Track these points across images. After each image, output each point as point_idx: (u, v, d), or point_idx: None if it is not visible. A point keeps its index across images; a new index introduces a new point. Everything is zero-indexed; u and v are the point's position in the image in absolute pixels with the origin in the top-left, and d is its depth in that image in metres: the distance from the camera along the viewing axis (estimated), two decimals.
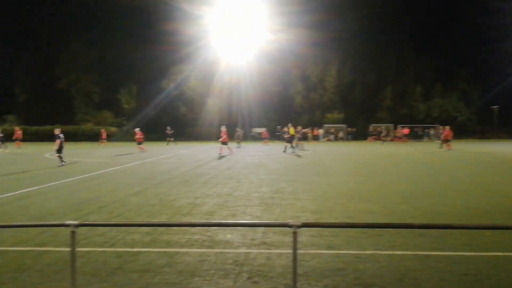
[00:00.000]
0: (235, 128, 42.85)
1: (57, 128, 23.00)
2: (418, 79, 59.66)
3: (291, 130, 31.18)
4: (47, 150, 33.63)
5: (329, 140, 54.62)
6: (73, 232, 4.71)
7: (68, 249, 6.04)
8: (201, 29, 52.61)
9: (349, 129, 56.85)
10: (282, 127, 55.99)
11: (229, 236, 7.27)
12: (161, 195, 11.55)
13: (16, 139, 39.12)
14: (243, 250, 6.53)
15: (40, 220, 8.66)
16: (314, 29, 49.80)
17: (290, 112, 59.60)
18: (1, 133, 32.59)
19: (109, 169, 18.72)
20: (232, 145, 37.38)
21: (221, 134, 28.38)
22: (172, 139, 43.70)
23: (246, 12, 52.28)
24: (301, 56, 55.81)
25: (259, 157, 25.67)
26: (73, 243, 4.72)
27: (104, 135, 45.44)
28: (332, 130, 56.81)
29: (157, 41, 54.30)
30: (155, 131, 54.89)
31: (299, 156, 26.78)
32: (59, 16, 62.35)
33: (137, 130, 33.32)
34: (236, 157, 25.44)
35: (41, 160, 25.12)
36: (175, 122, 58.33)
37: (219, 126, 32.38)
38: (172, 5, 52.44)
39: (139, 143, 31.92)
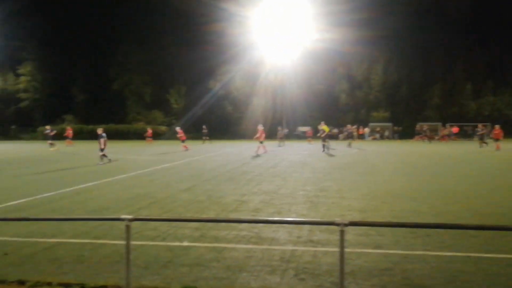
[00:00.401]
0: (279, 126, 42.77)
1: (100, 128, 23.85)
2: (468, 76, 57.16)
3: (325, 128, 30.64)
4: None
5: (374, 139, 53.53)
6: (127, 226, 4.97)
7: (122, 242, 6.35)
8: (247, 30, 52.99)
9: (395, 127, 55.42)
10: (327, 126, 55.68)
11: (275, 233, 7.37)
12: (208, 192, 11.82)
13: (66, 138, 41.06)
14: (289, 247, 6.61)
15: (96, 214, 9.12)
16: (359, 27, 48.87)
17: (335, 111, 58.84)
18: (51, 131, 33.95)
19: (160, 166, 19.32)
20: (273, 144, 37.45)
21: (259, 133, 28.20)
22: (207, 138, 44.35)
23: (291, 12, 52.15)
24: (346, 54, 54.94)
25: (304, 156, 25.60)
26: (127, 236, 4.98)
27: (149, 133, 46.81)
28: (377, 129, 55.62)
29: (204, 42, 55.24)
30: (202, 130, 55.89)
31: (331, 155, 26.45)
32: (112, 19, 64.80)
33: (178, 129, 33.96)
34: (281, 156, 25.50)
35: (97, 157, 26.23)
36: (221, 121, 59.21)
37: (264, 124, 32.46)
38: (219, 6, 53.13)
39: (183, 141, 32.41)
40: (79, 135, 56.83)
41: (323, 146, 29.26)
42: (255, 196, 11.11)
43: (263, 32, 53.94)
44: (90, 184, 13.70)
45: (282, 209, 9.54)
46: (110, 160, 21.65)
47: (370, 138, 53.82)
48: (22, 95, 67.75)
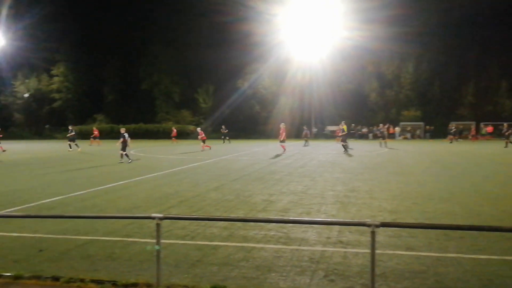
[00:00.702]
0: (304, 126, 42.42)
1: (123, 128, 24.20)
2: (503, 73, 55.34)
3: (345, 128, 30.04)
4: (132, 148, 35.67)
5: (405, 138, 52.58)
6: (158, 225, 5.02)
7: (152, 240, 6.43)
8: (275, 28, 52.92)
9: (427, 127, 54.26)
10: (356, 125, 55.00)
11: (304, 233, 7.31)
12: (237, 191, 11.85)
13: (94, 137, 42.30)
14: (318, 248, 6.55)
15: (127, 212, 9.26)
16: (390, 24, 48.03)
17: (364, 110, 58.09)
18: (73, 132, 34.49)
19: (188, 166, 19.50)
20: (301, 143, 37.25)
21: (280, 132, 27.98)
22: (227, 137, 44.92)
23: (319, 10, 51.79)
24: (376, 52, 54.00)
25: (333, 155, 25.36)
26: (158, 234, 5.04)
27: (174, 133, 47.56)
28: (408, 128, 54.60)
29: (232, 41, 55.44)
30: (230, 129, 56.15)
31: (350, 155, 26.06)
32: (142, 20, 66.00)
33: (198, 129, 34.33)
34: (310, 155, 25.34)
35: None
36: (248, 120, 59.34)
37: (291, 124, 32.35)
38: (247, 5, 53.24)
39: (204, 141, 32.48)
40: (109, 135, 58.15)
41: (344, 146, 28.53)
42: (284, 196, 11.06)
43: (291, 31, 53.77)
44: (120, 183, 13.95)
45: (311, 209, 9.46)
46: (130, 160, 21.93)
47: (401, 137, 52.95)
48: (55, 95, 69.76)
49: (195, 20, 60.48)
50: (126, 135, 22.44)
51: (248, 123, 59.07)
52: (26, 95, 68.63)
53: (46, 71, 70.55)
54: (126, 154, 22.07)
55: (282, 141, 27.84)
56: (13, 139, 56.83)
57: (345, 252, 6.33)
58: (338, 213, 9.09)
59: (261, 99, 60.29)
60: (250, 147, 35.84)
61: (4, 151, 30.06)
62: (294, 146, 35.76)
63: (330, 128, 56.07)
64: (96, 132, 43.17)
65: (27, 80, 69.68)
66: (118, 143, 22.63)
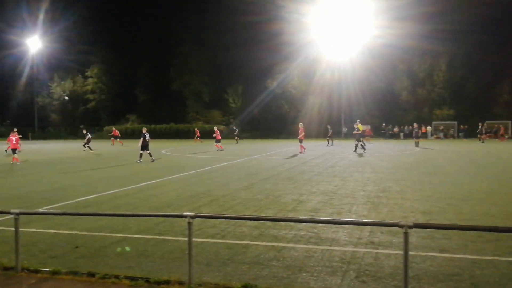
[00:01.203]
0: (331, 124, 41.91)
1: (144, 127, 24.56)
2: None
3: (360, 127, 29.67)
4: (164, 147, 36.29)
5: (438, 138, 51.38)
6: (189, 223, 5.10)
7: (184, 238, 6.53)
8: (304, 27, 52.68)
9: (461, 126, 52.80)
10: (387, 125, 54.06)
11: (335, 233, 7.26)
12: (267, 191, 11.87)
13: (115, 137, 43.69)
14: (349, 248, 6.49)
15: (159, 211, 9.42)
16: (422, 22, 46.95)
17: (395, 109, 57.03)
18: (89, 134, 35.18)
19: (219, 165, 19.67)
20: (320, 143, 36.92)
21: (299, 131, 27.73)
22: (238, 137, 45.78)
23: (349, 8, 51.24)
24: (407, 50, 52.87)
25: (364, 155, 25.05)
26: (190, 233, 5.11)
27: (198, 133, 48.44)
28: (441, 128, 53.30)
29: (261, 41, 55.49)
30: (258, 129, 56.33)
31: (360, 155, 25.58)
32: (172, 22, 67.05)
33: (215, 128, 34.88)
34: (340, 155, 25.12)
35: (158, 156, 27.16)
36: (277, 119, 59.27)
37: (319, 123, 32.21)
38: (277, 4, 53.21)
39: (218, 141, 32.51)
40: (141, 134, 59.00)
41: (357, 145, 28.04)
42: (314, 196, 11.01)
43: (320, 29, 53.41)
44: (152, 181, 14.20)
45: (341, 209, 9.39)
46: (153, 160, 22.30)
47: (433, 137, 51.80)
48: (90, 96, 71.73)
49: (225, 20, 60.81)
50: (147, 135, 22.77)
51: (277, 123, 59.03)
52: (66, 98, 70.75)
53: (81, 72, 72.67)
54: (149, 153, 22.51)
55: (301, 141, 27.65)
56: (49, 139, 58.74)
57: (376, 253, 6.25)
58: (369, 213, 8.98)
59: (290, 98, 60.12)
60: (279, 146, 35.80)
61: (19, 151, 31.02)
62: (323, 146, 35.51)
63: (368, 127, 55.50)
64: (115, 132, 44.19)
65: (62, 82, 71.90)
66: (139, 143, 23.00)
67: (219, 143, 32.20)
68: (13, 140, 23.20)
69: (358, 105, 55.20)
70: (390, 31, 48.24)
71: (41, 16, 66.43)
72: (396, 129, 54.14)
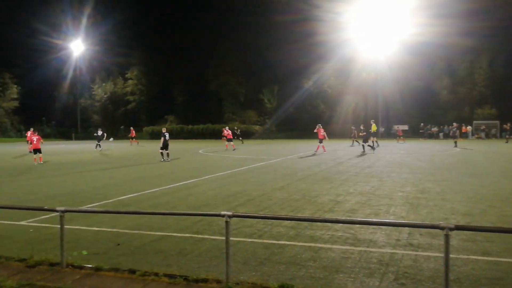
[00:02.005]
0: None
1: (164, 127, 24.96)
2: None
3: (374, 127, 30.02)
4: (201, 147, 36.78)
5: (479, 137, 49.62)
6: (227, 222, 5.16)
7: (221, 237, 6.62)
8: (339, 26, 52.09)
9: (504, 125, 50.69)
10: (425, 124, 52.58)
11: (372, 235, 7.17)
12: (303, 191, 11.84)
13: (132, 138, 45.10)
14: (388, 250, 6.39)
15: (196, 210, 9.58)
16: (464, 19, 45.37)
17: (434, 108, 55.42)
18: (100, 133, 36.23)
19: (254, 165, 19.77)
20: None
21: (318, 131, 27.71)
22: (240, 138, 46.43)
23: (387, 7, 50.29)
24: (447, 48, 51.15)
25: (401, 155, 24.55)
26: (227, 232, 5.17)
27: (225, 132, 48.78)
28: (483, 127, 51.41)
29: (296, 40, 55.26)
30: (295, 129, 56.13)
31: (367, 154, 24.85)
32: (209, 23, 67.88)
33: (227, 128, 35.66)
34: (377, 155, 24.71)
35: (196, 155, 27.61)
36: (313, 119, 58.82)
37: (355, 123, 31.96)
38: (311, 4, 52.87)
39: (229, 140, 33.41)
40: (179, 135, 60.36)
41: (364, 146, 28.23)
42: (351, 197, 10.89)
43: (356, 28, 52.70)
44: (190, 181, 14.44)
45: (379, 210, 9.24)
46: (169, 159, 22.80)
47: (474, 137, 50.09)
48: (130, 98, 73.68)
49: (261, 21, 61.09)
50: (167, 134, 23.22)
51: (312, 122, 58.56)
52: (103, 98, 72.81)
53: (121, 74, 74.78)
54: (167, 153, 22.98)
55: (320, 141, 27.61)
56: (91, 139, 60.62)
57: (416, 255, 6.13)
58: (408, 215, 8.81)
59: (326, 98, 59.58)
60: (315, 146, 35.49)
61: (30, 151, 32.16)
62: (358, 147, 34.97)
63: (397, 127, 54.33)
64: (133, 132, 45.96)
65: (104, 84, 74.13)
66: (160, 143, 23.42)
67: (231, 142, 33.51)
68: (34, 140, 22.71)
69: (396, 105, 54.06)
70: (430, 28, 46.96)
71: (84, 20, 68.93)
72: (435, 129, 52.67)
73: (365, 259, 5.99)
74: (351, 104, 56.47)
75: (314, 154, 25.92)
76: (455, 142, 32.25)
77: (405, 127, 54.13)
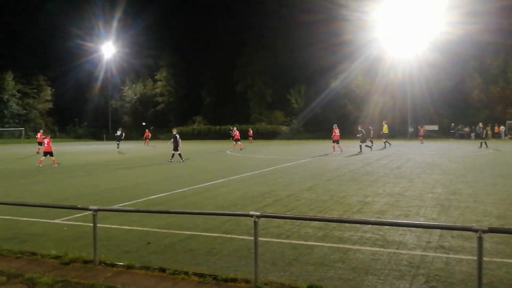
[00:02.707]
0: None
1: (175, 129, 25.22)
2: None
3: (385, 128, 31.18)
4: (228, 148, 37.02)
5: None
6: (255, 222, 5.19)
7: (249, 237, 6.67)
8: (366, 25, 51.52)
9: None
10: (456, 125, 51.24)
11: (402, 236, 7.07)
12: (331, 192, 11.77)
13: (145, 139, 46.23)
14: (418, 252, 6.30)
15: (224, 210, 9.66)
16: (497, 16, 44.11)
17: (465, 108, 53.96)
18: (119, 132, 37.11)
19: (282, 165, 19.76)
20: (398, 143, 35.67)
21: (334, 132, 28.09)
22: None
23: (416, 5, 49.41)
24: (479, 46, 49.68)
25: (431, 156, 24.07)
26: (256, 232, 5.21)
27: (250, 132, 49.72)
28: None
29: (323, 40, 54.89)
30: (322, 129, 55.72)
31: (369, 154, 24.20)
32: (235, 25, 68.41)
33: (235, 129, 37.54)
34: (406, 156, 24.31)
35: (223, 155, 27.81)
36: (340, 119, 58.26)
37: (381, 123, 31.88)
38: (338, 3, 52.42)
39: (237, 140, 35.70)
40: (207, 135, 60.91)
41: (361, 146, 28.72)
42: (380, 198, 10.76)
43: (384, 27, 51.97)
44: (218, 181, 14.57)
45: (409, 212, 9.10)
46: (182, 160, 23.03)
47: (507, 137, 48.57)
48: (159, 99, 74.85)
49: (287, 21, 60.95)
50: (178, 136, 23.46)
51: (339, 123, 58.04)
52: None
53: (150, 76, 76.09)
54: (179, 154, 23.18)
55: (337, 142, 28.04)
56: (122, 140, 61.81)
57: (447, 257, 6.01)
58: (438, 216, 8.64)
59: (354, 98, 58.94)
60: (343, 147, 35.17)
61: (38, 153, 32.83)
62: (388, 147, 34.48)
63: (427, 127, 53.20)
64: (148, 133, 47.14)
65: (134, 85, 75.55)
66: (170, 143, 23.77)
67: (239, 142, 35.22)
68: (45, 142, 21.95)
69: (425, 104, 52.96)
70: (462, 26, 45.77)
71: (115, 24, 70.57)
72: (466, 129, 51.32)
73: (394, 261, 5.92)
74: (378, 104, 55.67)
75: (327, 154, 25.67)
76: (481, 143, 31.27)
77: (435, 127, 52.99)
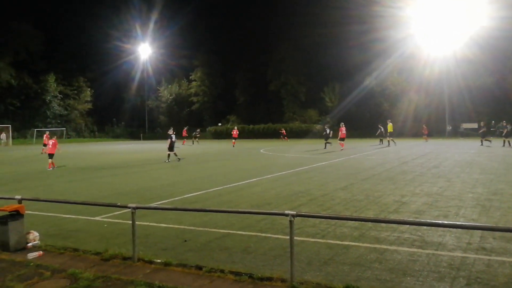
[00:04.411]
0: (443, 122, 39.20)
1: (171, 128, 25.29)
2: None
3: (389, 127, 32.74)
4: (262, 147, 37.12)
5: None
6: (291, 222, 5.21)
7: (285, 237, 6.69)
8: (401, 21, 50.35)
9: None
10: (496, 123, 49.26)
11: (441, 237, 6.91)
12: (366, 191, 11.61)
13: (184, 138, 46.91)
14: (458, 253, 6.14)
15: (259, 208, 9.70)
16: None
17: (506, 105, 51.79)
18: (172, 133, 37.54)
19: (317, 164, 19.64)
20: (435, 142, 34.77)
21: (340, 130, 30.50)
22: (196, 138, 48.36)
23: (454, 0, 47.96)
24: None
25: (470, 155, 23.33)
26: (291, 231, 5.22)
27: (284, 132, 49.94)
28: None
29: (356, 37, 54.06)
30: (357, 128, 54.95)
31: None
32: (268, 24, 68.49)
33: (235, 128, 41.10)
34: (444, 155, 23.66)
35: (257, 154, 27.91)
36: (376, 118, 57.27)
37: (419, 121, 31.66)
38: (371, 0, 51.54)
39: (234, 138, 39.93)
40: (241, 134, 61.13)
41: (326, 144, 31.24)
42: (417, 198, 10.54)
43: (419, 23, 50.71)
44: (253, 180, 14.64)
45: (448, 212, 8.87)
46: (168, 161, 23.09)
47: None
48: (194, 99, 75.81)
49: (319, 18, 60.34)
50: (173, 136, 23.63)
51: (375, 121, 57.08)
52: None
53: (185, 76, 77.22)
54: (175, 154, 23.39)
55: (342, 140, 30.28)
56: (158, 139, 63.10)
57: (489, 259, 5.83)
58: (479, 217, 8.39)
59: (389, 96, 57.79)
60: (377, 146, 34.64)
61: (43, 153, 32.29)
62: (425, 145, 33.73)
63: (466, 125, 51.51)
64: (184, 133, 47.51)
65: (169, 86, 76.85)
66: (166, 144, 23.97)
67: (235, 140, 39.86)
68: (50, 144, 21.02)
69: (463, 102, 51.27)
70: (504, 20, 43.96)
71: (151, 25, 72.02)
72: (508, 127, 49.24)
73: (434, 262, 5.79)
74: (415, 102, 54.36)
75: (356, 153, 25.31)
76: (504, 142, 30.24)
77: (474, 126, 51.26)
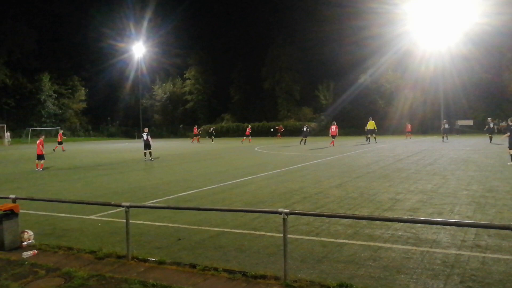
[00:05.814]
0: (438, 119, 39.36)
1: (145, 128, 25.63)
2: None
3: (369, 124, 34.46)
4: (256, 145, 37.10)
5: None
6: (284, 220, 5.18)
7: (278, 235, 6.65)
8: (396, 18, 50.45)
9: None
10: (493, 119, 49.49)
11: (435, 235, 6.90)
12: (361, 189, 11.61)
13: (195, 135, 47.50)
14: (453, 251, 6.13)
15: (253, 206, 9.67)
16: None
17: (502, 101, 52.09)
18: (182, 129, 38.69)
19: (311, 162, 19.63)
20: (434, 139, 34.87)
21: (330, 129, 32.58)
22: (213, 136, 48.65)
23: None
24: None
25: (466, 152, 23.41)
26: (285, 229, 5.19)
27: (281, 128, 50.37)
28: None
29: (350, 34, 54.17)
30: (351, 125, 55.07)
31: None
32: (262, 22, 68.54)
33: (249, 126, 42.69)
34: (439, 152, 23.73)
35: (252, 153, 27.86)
36: (370, 115, 57.35)
37: (414, 119, 31.92)
38: None
39: (196, 135, 43.29)
40: (235, 132, 61.18)
41: (301, 140, 34.29)
42: (412, 195, 10.54)
43: (415, 20, 50.83)
44: (247, 178, 14.60)
45: (443, 209, 8.87)
46: (152, 159, 23.50)
47: None
48: (188, 97, 75.70)
49: (314, 16, 60.50)
50: (145, 135, 23.89)
51: (370, 119, 57.19)
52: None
53: (179, 75, 77.06)
54: (150, 153, 23.69)
55: (333, 137, 32.17)
56: (153, 138, 62.92)
57: (483, 257, 5.83)
58: (474, 214, 8.39)
59: (384, 93, 57.93)
60: (372, 143, 34.69)
61: (64, 151, 34.23)
62: (419, 143, 33.83)
63: (461, 122, 51.72)
64: (195, 131, 47.77)
65: (163, 84, 76.65)
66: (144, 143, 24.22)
67: (197, 137, 43.76)
68: (37, 144, 20.36)
69: (459, 99, 51.48)
70: (498, 17, 44.19)
71: (145, 24, 71.78)
72: (503, 124, 49.54)
73: (428, 260, 5.78)
74: (410, 99, 54.55)
75: (324, 148, 25.53)
76: (490, 138, 30.49)
77: (470, 122, 51.53)
